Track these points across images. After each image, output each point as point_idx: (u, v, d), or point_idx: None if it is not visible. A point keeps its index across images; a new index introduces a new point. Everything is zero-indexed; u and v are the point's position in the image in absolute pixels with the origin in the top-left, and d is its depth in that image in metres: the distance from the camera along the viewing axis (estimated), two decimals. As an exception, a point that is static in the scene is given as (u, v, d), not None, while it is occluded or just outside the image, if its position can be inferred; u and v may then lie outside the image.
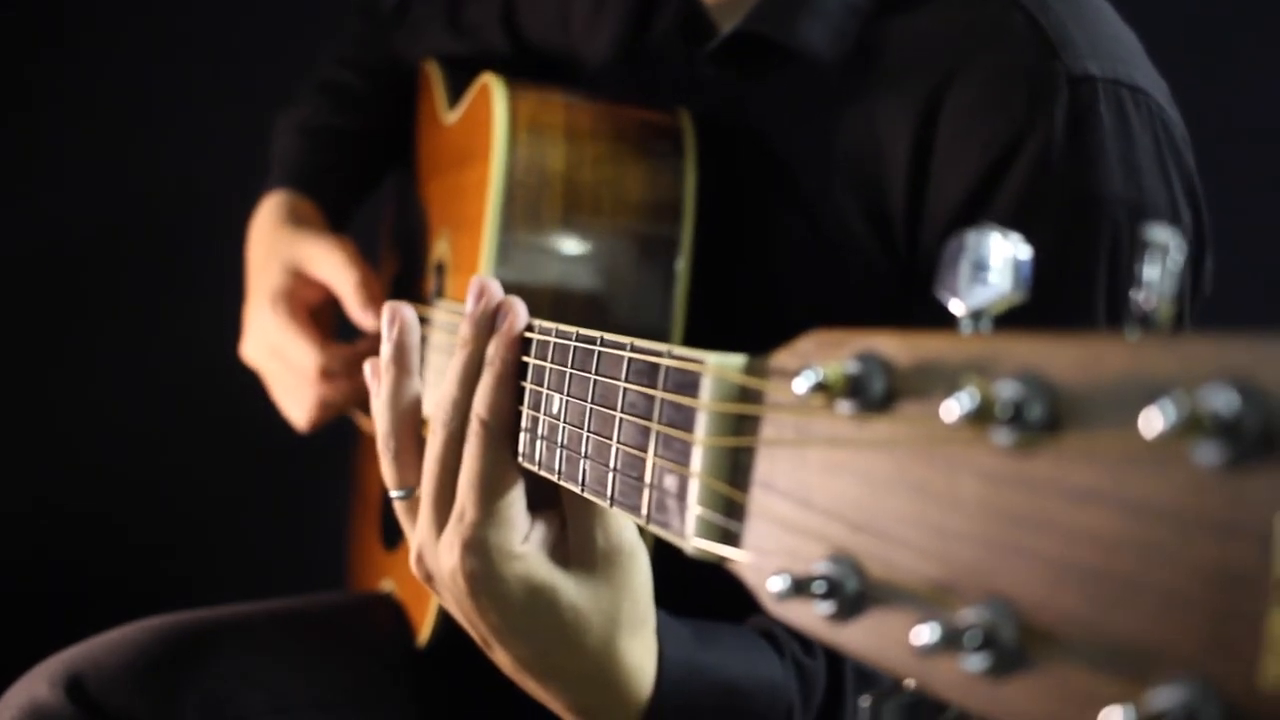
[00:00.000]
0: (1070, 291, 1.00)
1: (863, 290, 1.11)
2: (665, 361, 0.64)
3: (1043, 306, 1.00)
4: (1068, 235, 1.01)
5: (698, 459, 0.59)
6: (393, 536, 1.36)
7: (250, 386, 1.39)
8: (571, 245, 1.13)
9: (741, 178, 1.17)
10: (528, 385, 0.85)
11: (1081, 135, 1.00)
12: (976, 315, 0.51)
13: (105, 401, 2.18)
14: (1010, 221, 1.01)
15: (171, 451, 2.19)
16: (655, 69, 1.26)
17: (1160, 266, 0.45)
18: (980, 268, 0.51)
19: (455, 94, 1.36)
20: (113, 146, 2.18)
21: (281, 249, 1.35)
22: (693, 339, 1.13)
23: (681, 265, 1.13)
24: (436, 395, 1.18)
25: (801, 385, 0.51)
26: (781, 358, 0.55)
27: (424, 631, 1.19)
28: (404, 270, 1.48)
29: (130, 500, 2.19)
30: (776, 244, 1.15)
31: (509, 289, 1.13)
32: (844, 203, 1.10)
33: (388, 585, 1.35)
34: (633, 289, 1.13)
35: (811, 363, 0.52)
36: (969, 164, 1.03)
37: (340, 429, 1.40)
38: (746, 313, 1.17)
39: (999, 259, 0.51)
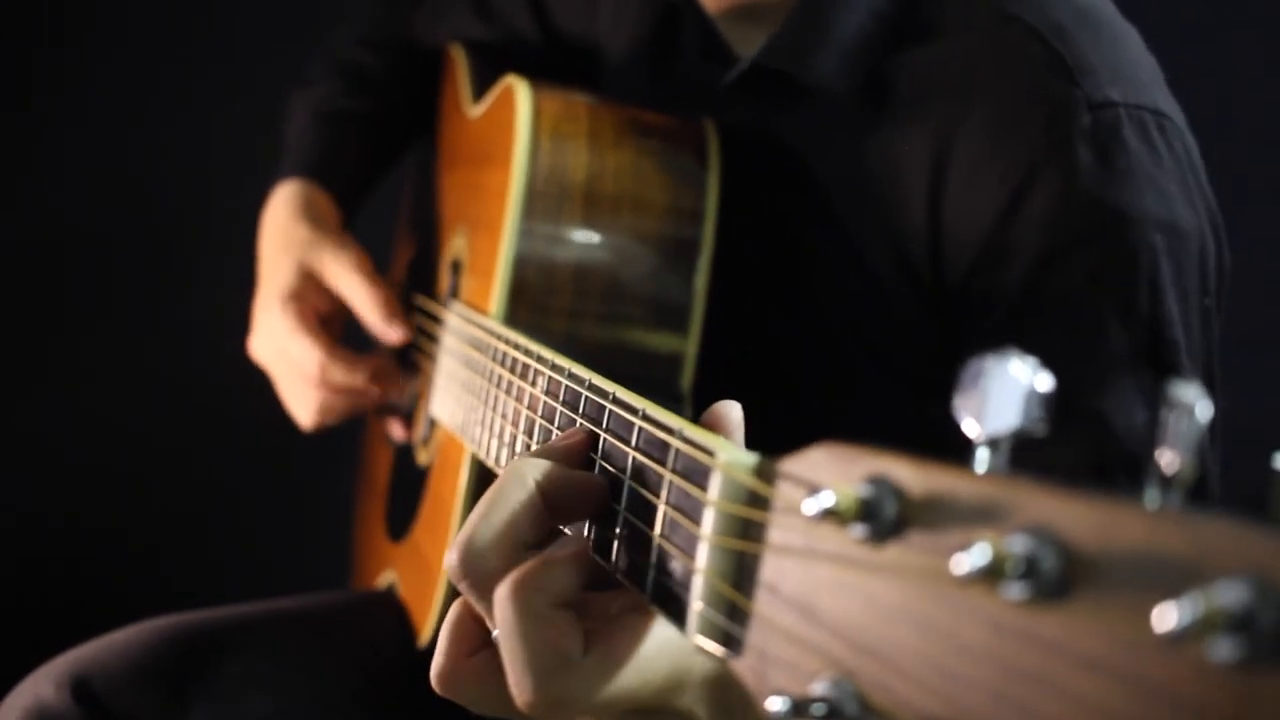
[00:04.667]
0: (1110, 317, 0.98)
1: (886, 309, 1.10)
2: (676, 443, 0.63)
3: (1084, 335, 1.00)
4: (1103, 258, 0.99)
5: (703, 555, 0.58)
6: (398, 527, 1.36)
7: (250, 386, 1.39)
8: (590, 255, 1.12)
9: (768, 191, 1.16)
10: (538, 419, 0.85)
11: (1109, 158, 0.98)
12: (993, 443, 0.50)
13: (106, 401, 2.18)
14: (1040, 249, 0.99)
15: (172, 452, 2.19)
16: (678, 75, 1.25)
17: (1184, 426, 0.44)
18: (998, 395, 0.50)
19: (480, 84, 1.35)
20: (111, 146, 2.16)
21: (296, 248, 1.34)
22: (714, 342, 1.12)
23: (701, 270, 1.12)
24: (446, 398, 1.18)
25: (812, 508, 0.50)
26: (792, 465, 0.55)
27: (426, 631, 1.19)
28: (419, 257, 1.47)
29: (132, 501, 2.19)
30: (800, 256, 1.14)
31: (525, 298, 1.14)
32: (867, 231, 1.09)
33: (390, 576, 1.35)
34: (650, 294, 1.13)
35: (823, 482, 0.51)
36: (990, 193, 1.01)
37: (342, 427, 1.40)
38: (771, 324, 1.17)
39: (1018, 389, 0.50)
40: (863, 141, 1.09)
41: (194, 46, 2.17)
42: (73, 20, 2.13)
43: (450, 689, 0.71)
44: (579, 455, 0.72)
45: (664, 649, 0.64)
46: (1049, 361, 0.99)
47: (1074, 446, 0.97)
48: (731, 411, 0.69)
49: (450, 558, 0.66)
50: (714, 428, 0.68)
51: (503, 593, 0.63)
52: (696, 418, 1.11)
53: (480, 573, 0.65)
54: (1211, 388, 1.03)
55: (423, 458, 1.32)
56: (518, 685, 0.63)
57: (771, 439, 1.15)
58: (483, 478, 1.10)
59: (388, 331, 1.28)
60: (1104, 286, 0.98)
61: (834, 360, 1.15)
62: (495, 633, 0.69)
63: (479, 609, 0.67)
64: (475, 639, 0.70)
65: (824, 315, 1.14)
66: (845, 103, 1.10)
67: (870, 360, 1.13)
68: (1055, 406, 0.97)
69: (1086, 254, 0.99)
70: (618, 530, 0.68)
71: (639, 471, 0.67)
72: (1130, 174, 0.98)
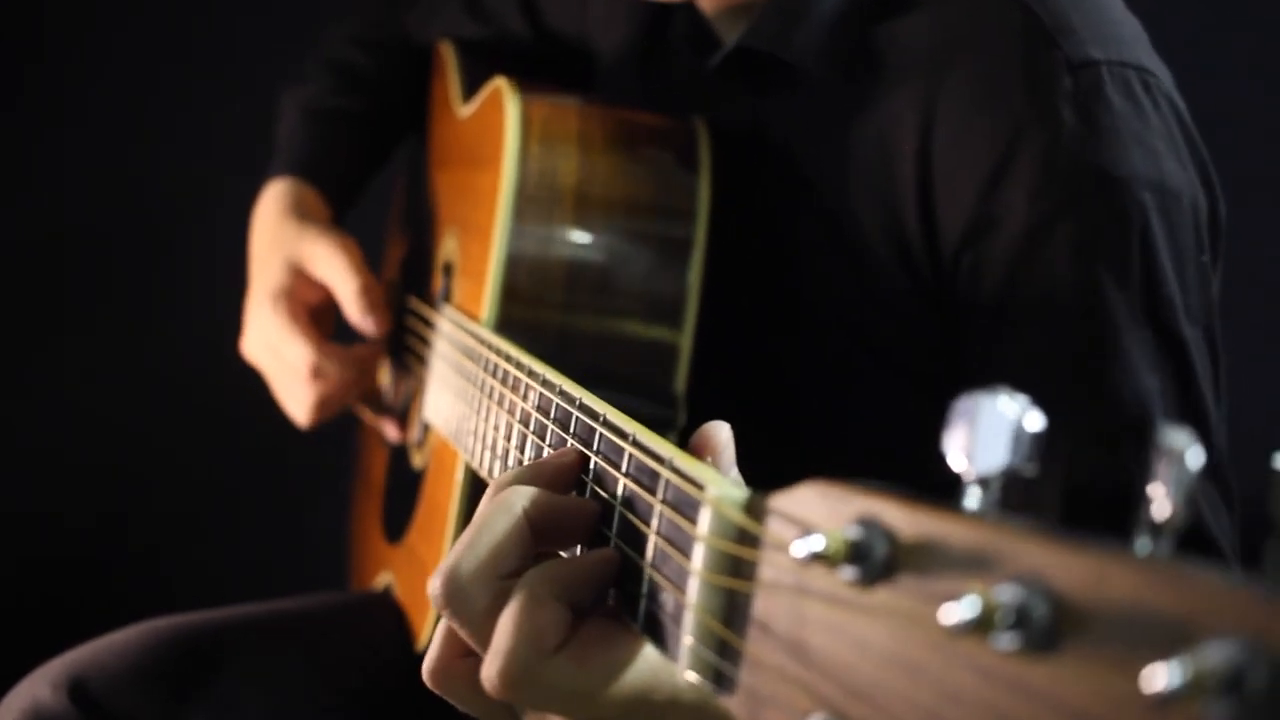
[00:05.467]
0: (1105, 280, 0.97)
1: (884, 302, 1.09)
2: (666, 473, 0.63)
3: (1081, 300, 0.99)
4: (1093, 221, 0.97)
5: (694, 590, 0.58)
6: (394, 529, 1.35)
7: (249, 385, 1.38)
8: (581, 258, 1.11)
9: (760, 186, 1.15)
10: (529, 435, 0.84)
11: (1093, 119, 0.97)
12: (984, 482, 0.50)
13: (103, 401, 2.16)
14: (1029, 217, 0.98)
15: (171, 452, 2.18)
16: (670, 74, 1.24)
17: (1174, 473, 0.44)
18: (987, 433, 0.49)
19: (470, 82, 1.34)
20: (110, 145, 2.14)
21: (284, 244, 1.33)
22: (708, 340, 1.12)
23: (694, 266, 1.11)
24: (440, 403, 1.18)
25: (801, 550, 0.50)
26: (782, 502, 0.54)
27: (424, 634, 1.19)
28: (411, 256, 1.47)
29: (130, 501, 2.19)
30: (796, 251, 1.14)
31: (517, 302, 1.13)
32: (861, 216, 1.08)
33: (387, 577, 1.35)
34: (643, 293, 1.12)
35: (813, 522, 0.51)
36: (975, 163, 1.00)
37: (339, 428, 1.39)
38: (767, 322, 1.16)
39: (1008, 428, 0.49)
40: (850, 119, 1.08)
41: (194, 46, 2.15)
42: (72, 20, 2.12)
43: (441, 686, 0.72)
44: (570, 477, 0.72)
45: (636, 672, 0.65)
46: (1049, 330, 0.99)
47: (1084, 416, 0.96)
48: (719, 433, 0.68)
49: (434, 586, 0.66)
50: (701, 450, 0.68)
51: (526, 577, 0.64)
52: (691, 419, 1.11)
53: (461, 602, 0.66)
54: (1213, 345, 1.01)
55: (418, 460, 1.32)
56: (492, 657, 0.64)
57: (771, 437, 1.14)
58: (477, 484, 1.10)
59: (364, 323, 1.28)
60: (1096, 250, 0.97)
61: (831, 356, 1.14)
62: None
63: (461, 634, 0.67)
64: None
65: (820, 310, 1.14)
66: (830, 82, 1.09)
67: (867, 355, 1.12)
68: (1063, 375, 0.95)
69: (1076, 218, 0.97)
70: (609, 555, 0.68)
71: (629, 499, 0.66)
72: (1115, 133, 0.97)
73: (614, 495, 0.68)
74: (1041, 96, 0.97)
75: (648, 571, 0.63)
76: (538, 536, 0.67)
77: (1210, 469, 0.98)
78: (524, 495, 0.67)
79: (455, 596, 0.65)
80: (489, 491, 0.69)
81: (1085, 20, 1.00)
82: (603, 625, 0.64)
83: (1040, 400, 1.02)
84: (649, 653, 0.63)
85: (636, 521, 0.65)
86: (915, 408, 1.13)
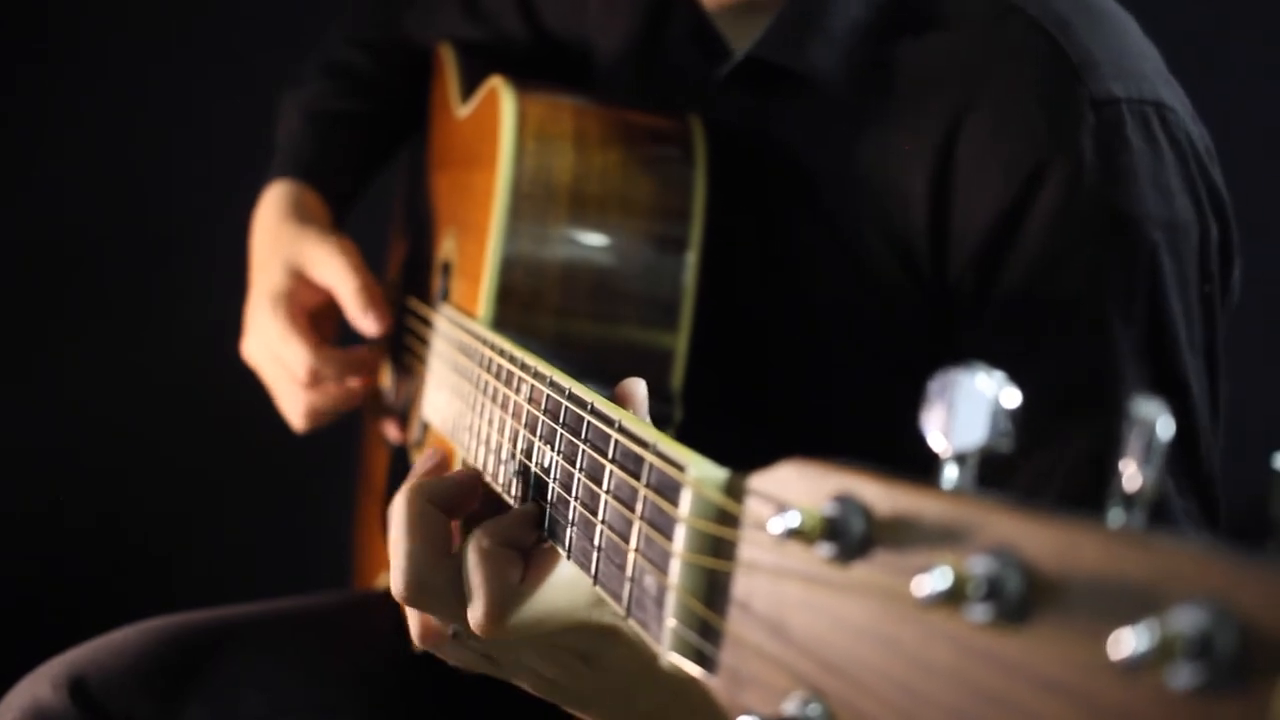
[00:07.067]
0: (1113, 315, 1.00)
1: (887, 307, 1.10)
2: (650, 457, 0.63)
3: (1087, 332, 1.01)
4: (1106, 258, 1.00)
5: (675, 571, 0.58)
6: (394, 529, 1.35)
7: (249, 385, 1.38)
8: (577, 256, 1.12)
9: (762, 187, 1.15)
10: (521, 429, 0.85)
11: (1111, 158, 1.00)
12: (961, 459, 0.50)
13: (104, 401, 2.17)
14: (1043, 248, 1.01)
15: (172, 452, 2.19)
16: (669, 73, 1.24)
17: (1146, 445, 0.44)
18: (964, 411, 0.50)
19: (468, 84, 1.35)
20: (109, 145, 2.15)
21: (284, 247, 1.34)
22: (705, 340, 1.12)
23: (690, 263, 1.11)
24: (437, 401, 1.18)
25: (778, 527, 0.50)
26: (760, 481, 0.54)
27: (421, 634, 1.19)
28: (412, 257, 1.47)
29: (131, 501, 2.19)
30: (795, 251, 1.14)
31: (513, 301, 1.13)
32: (864, 225, 1.09)
33: (387, 578, 1.35)
34: (638, 292, 1.12)
35: (790, 500, 0.51)
36: (993, 190, 1.02)
37: (340, 428, 1.39)
38: (765, 320, 1.16)
39: (984, 404, 0.49)
40: (859, 134, 1.09)
41: (194, 46, 2.16)
42: (72, 20, 2.13)
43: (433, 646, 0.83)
44: (441, 465, 0.85)
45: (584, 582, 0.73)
46: (1053, 354, 1.01)
47: (1079, 441, 0.98)
48: (637, 389, 0.77)
49: (399, 597, 0.80)
50: (623, 403, 0.75)
51: (473, 538, 0.75)
52: (687, 418, 1.11)
53: (428, 597, 0.79)
54: (1214, 371, 1.04)
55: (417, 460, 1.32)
56: (474, 603, 0.74)
57: (768, 437, 1.14)
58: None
59: (364, 321, 1.28)
60: (1106, 286, 1.00)
61: (829, 357, 1.14)
62: None
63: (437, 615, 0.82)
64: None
65: (818, 311, 1.14)
66: (841, 94, 1.09)
67: (865, 354, 1.13)
68: (1060, 401, 0.98)
69: (1089, 254, 1.00)
70: (597, 543, 0.68)
71: (616, 485, 0.66)
72: (1132, 174, 0.99)
73: (601, 484, 0.68)
74: (1065, 130, 1.00)
75: (632, 556, 0.63)
76: (449, 512, 0.79)
77: (1198, 485, 0.99)
78: (421, 492, 0.79)
79: (420, 598, 0.78)
80: (399, 509, 0.79)
81: (1107, 53, 1.02)
82: (546, 554, 0.75)
83: (1036, 422, 1.04)
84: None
85: (622, 508, 0.65)
86: (912, 407, 1.13)
